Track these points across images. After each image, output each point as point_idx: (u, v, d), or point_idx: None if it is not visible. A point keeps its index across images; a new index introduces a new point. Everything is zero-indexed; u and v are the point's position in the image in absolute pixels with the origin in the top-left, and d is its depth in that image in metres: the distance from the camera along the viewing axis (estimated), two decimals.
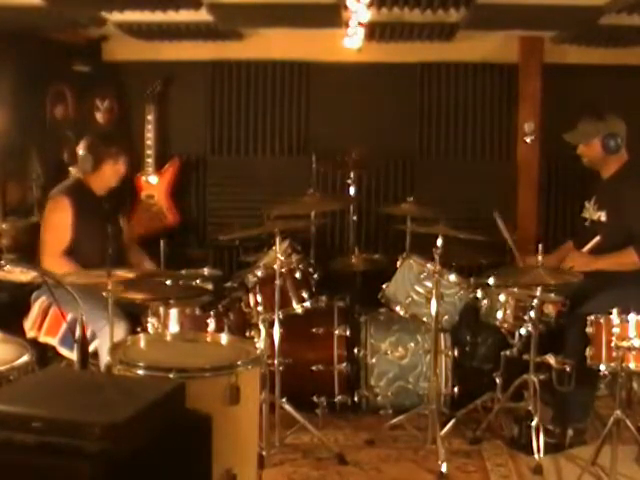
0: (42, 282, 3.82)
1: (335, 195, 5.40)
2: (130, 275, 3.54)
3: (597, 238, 3.92)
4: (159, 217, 5.42)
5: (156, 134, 5.42)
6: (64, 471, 1.89)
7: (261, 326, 3.86)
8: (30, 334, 3.98)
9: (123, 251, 4.34)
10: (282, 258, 3.82)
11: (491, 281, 3.94)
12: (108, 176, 4.21)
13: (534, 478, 3.57)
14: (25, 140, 4.76)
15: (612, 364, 3.45)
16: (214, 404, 2.55)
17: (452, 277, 3.91)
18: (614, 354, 3.42)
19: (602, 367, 3.50)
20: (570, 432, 3.84)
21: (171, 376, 2.59)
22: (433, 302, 3.77)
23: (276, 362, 3.78)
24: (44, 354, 3.95)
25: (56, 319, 3.89)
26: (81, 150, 4.20)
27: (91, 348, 3.69)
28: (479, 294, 4.01)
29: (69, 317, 3.42)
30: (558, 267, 3.95)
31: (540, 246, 3.72)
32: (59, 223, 4.07)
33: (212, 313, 3.80)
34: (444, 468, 3.55)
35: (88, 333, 3.09)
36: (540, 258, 3.68)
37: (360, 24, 4.13)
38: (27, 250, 4.19)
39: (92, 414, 1.96)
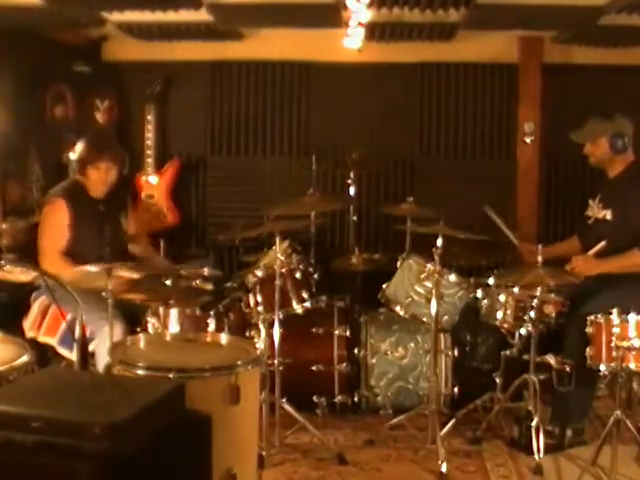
0: (42, 282, 3.82)
1: (335, 195, 5.40)
2: (132, 276, 3.55)
3: (603, 243, 3.91)
4: (159, 217, 5.42)
5: (156, 134, 5.43)
6: (64, 471, 1.89)
7: (261, 326, 3.86)
8: (29, 334, 3.98)
9: (122, 252, 4.33)
10: (282, 258, 3.82)
11: (491, 281, 3.94)
12: (94, 181, 4.17)
13: (534, 478, 3.57)
14: (25, 140, 4.76)
15: (612, 364, 3.44)
16: (214, 404, 2.55)
17: (452, 277, 3.91)
18: (614, 354, 3.41)
19: (602, 367, 3.50)
20: (569, 432, 3.84)
21: (171, 376, 2.59)
22: (433, 302, 3.76)
23: (276, 362, 3.78)
24: (44, 354, 3.95)
25: (55, 319, 3.89)
26: (71, 153, 4.20)
27: (90, 348, 3.70)
28: (479, 294, 4.00)
29: (68, 317, 3.42)
30: (559, 267, 3.95)
31: (540, 247, 3.72)
32: (56, 225, 4.07)
33: (212, 313, 3.79)
34: (444, 468, 3.54)
35: (87, 333, 3.10)
36: (540, 259, 3.68)
37: (360, 24, 4.14)
38: (27, 250, 4.18)
39: (92, 414, 1.96)
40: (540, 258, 3.68)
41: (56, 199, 4.12)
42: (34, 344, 3.61)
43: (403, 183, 5.59)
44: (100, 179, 4.16)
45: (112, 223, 4.27)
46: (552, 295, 3.85)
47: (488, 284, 3.96)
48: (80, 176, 4.19)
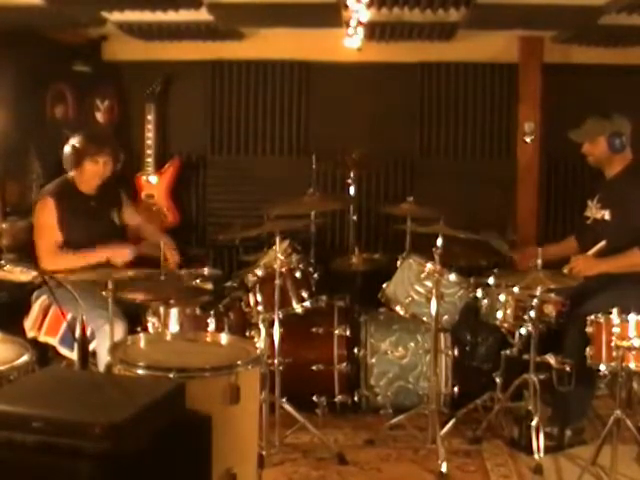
0: (42, 282, 3.82)
1: (335, 195, 5.40)
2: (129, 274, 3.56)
3: (602, 242, 3.91)
4: (159, 217, 5.42)
5: (156, 134, 5.43)
6: (64, 471, 1.89)
7: (261, 326, 3.86)
8: (30, 334, 3.98)
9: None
10: (282, 258, 3.82)
11: (491, 281, 3.95)
12: (88, 175, 4.18)
13: (534, 478, 3.57)
14: (25, 140, 4.76)
15: (612, 364, 3.45)
16: (214, 404, 2.55)
17: (452, 277, 3.91)
18: (614, 354, 3.42)
19: (602, 367, 3.50)
20: (569, 432, 3.84)
21: (171, 376, 2.59)
22: (433, 302, 3.76)
23: (276, 362, 3.79)
24: (44, 354, 3.95)
25: (56, 319, 3.90)
26: (65, 147, 4.21)
27: (90, 348, 3.70)
28: (479, 294, 4.00)
29: (69, 316, 3.43)
30: (558, 271, 3.94)
31: (539, 250, 3.72)
32: (45, 224, 4.09)
33: (212, 313, 3.80)
34: (444, 468, 3.55)
35: (88, 332, 3.12)
36: (539, 262, 3.68)
37: (360, 24, 4.14)
38: (27, 250, 4.19)
39: (92, 414, 1.96)
40: (539, 261, 3.68)
41: (44, 197, 4.15)
42: (35, 344, 3.61)
43: (403, 183, 5.59)
44: (96, 172, 4.18)
45: (105, 218, 4.28)
46: (552, 295, 3.84)
47: (488, 284, 3.96)
48: (73, 170, 4.19)
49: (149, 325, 3.73)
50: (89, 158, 4.14)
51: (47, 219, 4.09)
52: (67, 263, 3.89)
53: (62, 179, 4.26)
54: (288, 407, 3.80)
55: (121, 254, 3.99)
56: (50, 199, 4.11)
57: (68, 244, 4.08)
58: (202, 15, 4.41)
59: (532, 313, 3.75)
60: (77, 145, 4.16)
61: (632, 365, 3.37)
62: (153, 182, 5.44)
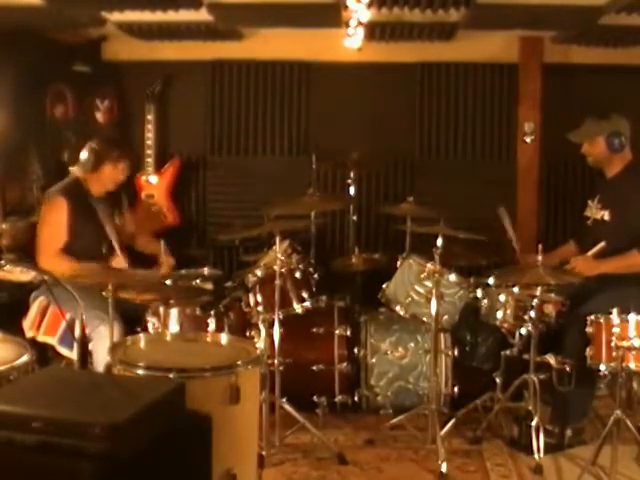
0: (41, 282, 3.82)
1: (335, 195, 5.40)
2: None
3: (602, 243, 3.92)
4: (159, 217, 5.42)
5: (156, 134, 5.43)
6: (64, 471, 1.89)
7: (261, 326, 3.86)
8: (29, 334, 3.98)
9: (120, 249, 4.33)
10: (282, 258, 3.82)
11: (491, 281, 3.94)
12: (106, 179, 4.21)
13: (534, 478, 3.57)
14: (25, 140, 4.76)
15: (612, 364, 3.45)
16: (214, 404, 2.55)
17: (452, 277, 3.91)
18: (614, 354, 3.42)
19: (602, 367, 3.50)
20: (569, 432, 3.84)
21: (171, 376, 2.59)
22: (433, 302, 3.77)
23: (276, 362, 3.79)
24: (44, 354, 3.95)
25: (55, 319, 3.90)
26: (84, 150, 4.21)
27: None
28: (479, 294, 4.00)
29: (68, 316, 3.43)
30: (558, 267, 3.95)
31: (540, 246, 3.72)
32: (55, 222, 4.09)
33: (212, 313, 3.79)
34: (444, 468, 3.55)
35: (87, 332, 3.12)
36: (540, 258, 3.68)
37: (360, 24, 4.14)
38: (27, 250, 4.19)
39: (92, 414, 1.96)
40: (540, 257, 3.68)
41: (56, 197, 4.14)
42: (34, 344, 3.61)
43: (403, 183, 5.59)
44: (112, 177, 4.22)
45: (110, 221, 4.29)
46: (552, 295, 3.85)
47: (488, 284, 3.96)
48: (89, 173, 4.19)
49: (149, 325, 3.73)
50: (110, 162, 4.17)
51: (57, 218, 4.08)
52: (65, 270, 3.83)
53: (72, 180, 4.26)
54: (288, 407, 3.80)
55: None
56: (62, 198, 4.11)
57: (76, 245, 4.07)
58: (202, 15, 4.41)
59: (532, 313, 3.75)
60: (97, 148, 4.18)
61: (632, 365, 3.37)
62: (153, 182, 5.44)
